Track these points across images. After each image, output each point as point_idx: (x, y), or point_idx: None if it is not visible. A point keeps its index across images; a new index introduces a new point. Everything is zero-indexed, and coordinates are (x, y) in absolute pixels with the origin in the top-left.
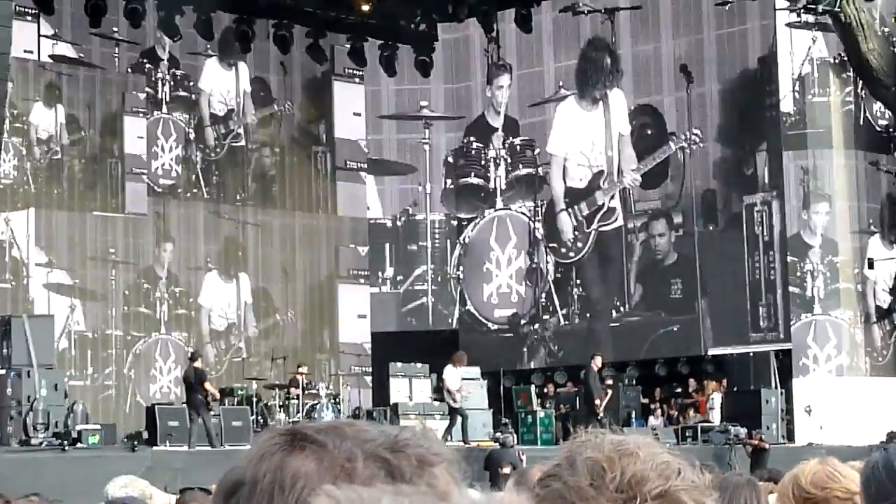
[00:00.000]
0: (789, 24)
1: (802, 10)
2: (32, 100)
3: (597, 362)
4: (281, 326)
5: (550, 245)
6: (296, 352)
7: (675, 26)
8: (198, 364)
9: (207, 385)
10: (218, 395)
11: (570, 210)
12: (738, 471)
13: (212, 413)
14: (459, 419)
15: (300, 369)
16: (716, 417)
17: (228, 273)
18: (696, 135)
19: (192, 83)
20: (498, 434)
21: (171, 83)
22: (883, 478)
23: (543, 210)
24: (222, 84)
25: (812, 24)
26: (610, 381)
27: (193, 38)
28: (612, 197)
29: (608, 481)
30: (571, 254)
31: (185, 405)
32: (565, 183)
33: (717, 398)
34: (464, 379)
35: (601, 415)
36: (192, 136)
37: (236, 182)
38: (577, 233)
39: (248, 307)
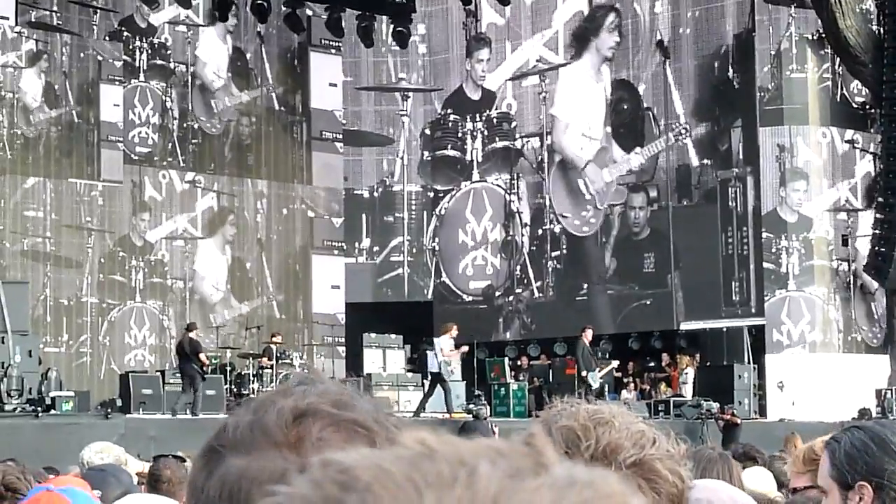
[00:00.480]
0: (767, 0)
1: None
2: (10, 66)
3: (587, 335)
4: (255, 296)
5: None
6: (270, 321)
7: (652, 1)
8: (193, 335)
9: (202, 356)
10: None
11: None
12: (710, 445)
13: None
14: (443, 392)
15: (274, 339)
16: (688, 392)
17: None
18: (684, 127)
19: (168, 52)
20: (471, 406)
21: (149, 51)
22: (875, 452)
23: (551, 175)
24: (218, 54)
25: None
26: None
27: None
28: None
29: (583, 450)
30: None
31: (172, 373)
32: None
33: (689, 373)
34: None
35: (593, 386)
36: (168, 104)
37: (212, 151)
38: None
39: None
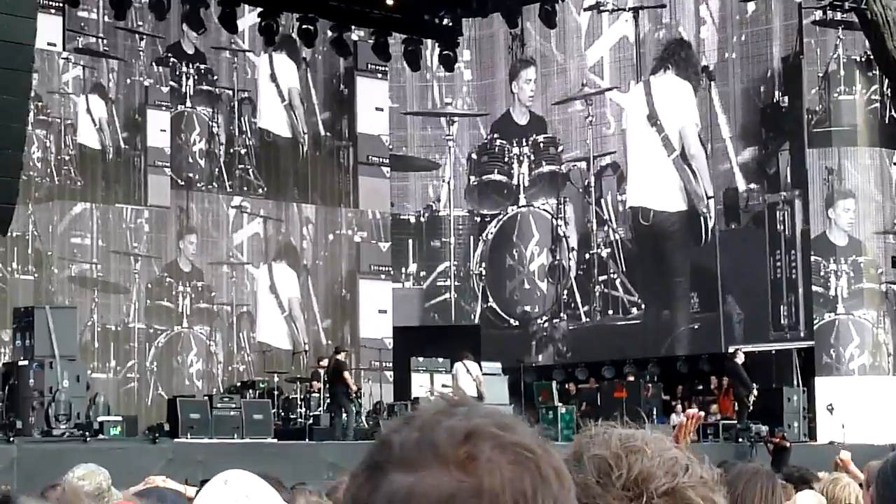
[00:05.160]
0: (815, 22)
1: (828, 8)
2: (57, 92)
3: (740, 357)
4: (303, 320)
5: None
6: (317, 347)
7: (698, 25)
8: (341, 357)
9: (346, 376)
10: (355, 389)
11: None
12: (756, 461)
13: (353, 406)
14: None
15: (321, 363)
16: (738, 416)
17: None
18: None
19: (215, 77)
20: None
21: (195, 77)
22: (891, 479)
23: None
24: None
25: (838, 22)
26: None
27: (218, 31)
28: None
29: (615, 479)
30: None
31: (221, 397)
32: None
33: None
34: (485, 374)
35: (750, 407)
36: (215, 129)
37: (260, 176)
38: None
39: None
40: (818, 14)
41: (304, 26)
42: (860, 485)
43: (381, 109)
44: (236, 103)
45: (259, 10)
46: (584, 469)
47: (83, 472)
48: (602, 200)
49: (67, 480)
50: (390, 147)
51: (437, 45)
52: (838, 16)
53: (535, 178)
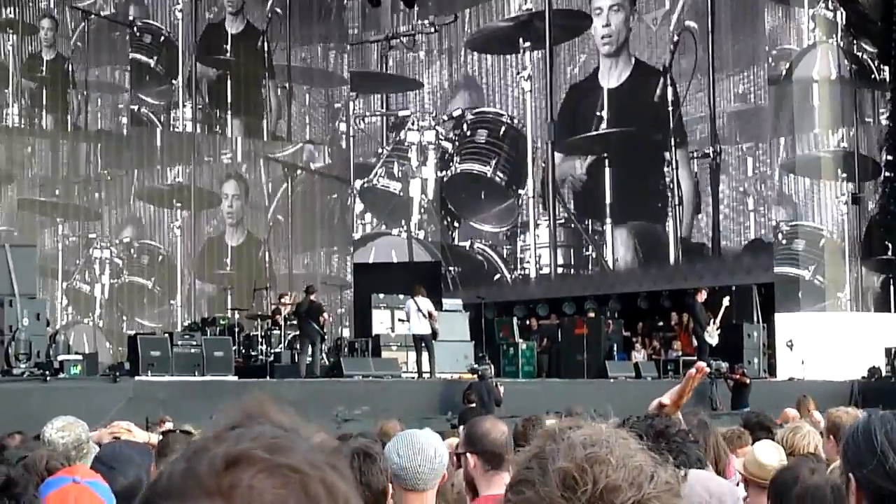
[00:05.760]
0: None
1: None
2: None
3: (701, 296)
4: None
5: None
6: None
7: None
8: (313, 297)
9: (325, 316)
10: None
11: None
12: (695, 411)
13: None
14: (428, 352)
15: (283, 300)
16: (698, 352)
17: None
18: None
19: None
20: (476, 366)
21: None
22: (860, 444)
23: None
24: None
25: None
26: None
27: None
28: None
29: (580, 494)
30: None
31: (182, 334)
32: None
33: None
34: (446, 311)
35: (713, 343)
36: None
37: None
38: None
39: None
40: None
41: None
42: (820, 433)
43: None
44: None
45: None
46: (549, 482)
47: (62, 424)
48: None
49: (45, 433)
50: None
51: None
52: None
53: None
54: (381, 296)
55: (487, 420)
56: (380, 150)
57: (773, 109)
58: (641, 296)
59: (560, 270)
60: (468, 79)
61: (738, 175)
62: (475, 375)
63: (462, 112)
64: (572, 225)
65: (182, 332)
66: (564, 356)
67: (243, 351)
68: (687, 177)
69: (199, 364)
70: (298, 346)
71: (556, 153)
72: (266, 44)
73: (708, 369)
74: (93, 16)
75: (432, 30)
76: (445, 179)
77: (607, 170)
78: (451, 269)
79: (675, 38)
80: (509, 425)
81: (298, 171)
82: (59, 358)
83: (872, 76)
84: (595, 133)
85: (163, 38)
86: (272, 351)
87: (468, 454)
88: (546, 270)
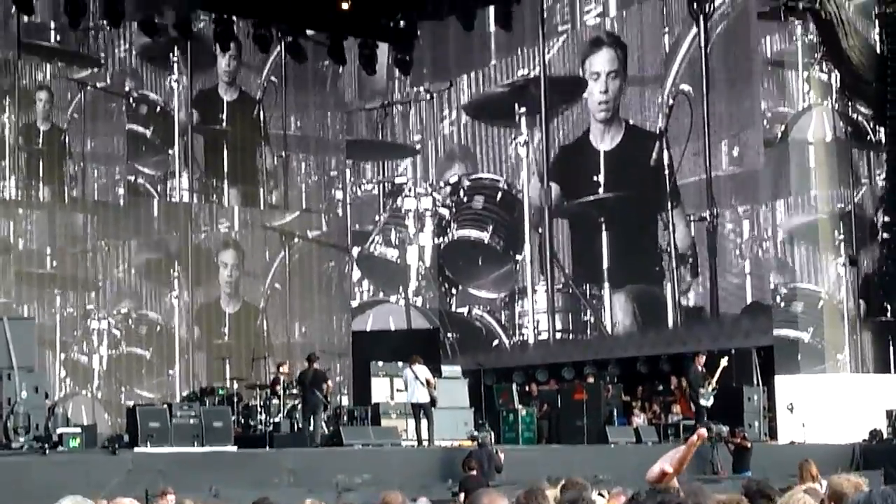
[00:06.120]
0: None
1: (783, 7)
2: None
3: (700, 360)
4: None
5: None
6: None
7: None
8: (317, 365)
9: (330, 384)
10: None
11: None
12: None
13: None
14: (427, 420)
15: (281, 369)
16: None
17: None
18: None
19: None
20: (475, 433)
21: None
22: None
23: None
24: None
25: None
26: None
27: None
28: None
29: None
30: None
31: (180, 405)
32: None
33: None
34: (445, 377)
35: (707, 404)
36: None
37: None
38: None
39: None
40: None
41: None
42: (822, 501)
43: None
44: None
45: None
46: None
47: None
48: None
49: None
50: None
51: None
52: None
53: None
54: (381, 363)
55: (488, 494)
56: (377, 218)
57: (769, 172)
58: (641, 360)
59: (559, 335)
60: (463, 145)
61: (734, 238)
62: (475, 442)
63: (458, 178)
64: (570, 290)
65: (181, 403)
66: (564, 422)
67: (242, 421)
68: (683, 239)
69: (198, 434)
70: (301, 415)
71: (553, 218)
72: (262, 112)
73: (706, 434)
74: (89, 87)
75: (428, 96)
76: (443, 246)
77: (604, 233)
78: (449, 335)
79: (671, 101)
80: (510, 495)
81: (296, 239)
82: (59, 430)
83: (868, 137)
84: (593, 198)
85: (158, 108)
86: (271, 420)
87: None
88: (545, 336)
